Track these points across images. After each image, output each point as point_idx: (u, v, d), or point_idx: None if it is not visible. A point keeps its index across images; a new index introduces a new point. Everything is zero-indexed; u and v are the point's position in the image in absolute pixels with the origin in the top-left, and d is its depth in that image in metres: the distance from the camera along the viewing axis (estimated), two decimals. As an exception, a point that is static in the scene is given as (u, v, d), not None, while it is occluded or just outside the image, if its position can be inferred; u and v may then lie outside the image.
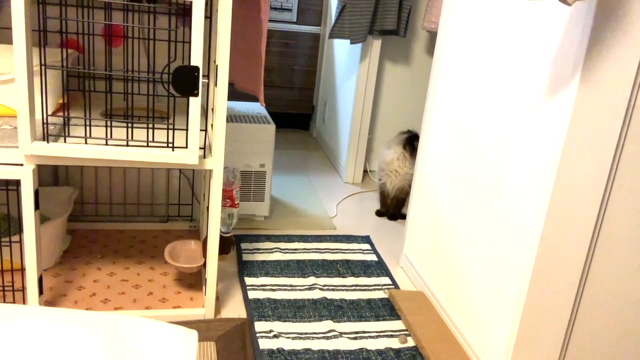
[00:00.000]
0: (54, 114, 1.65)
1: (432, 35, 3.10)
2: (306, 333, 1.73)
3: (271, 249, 2.25)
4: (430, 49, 3.12)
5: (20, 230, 1.77)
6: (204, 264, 1.79)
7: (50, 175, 2.15)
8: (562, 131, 1.32)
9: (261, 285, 1.98)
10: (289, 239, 2.35)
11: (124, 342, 0.78)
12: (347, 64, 3.27)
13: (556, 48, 1.36)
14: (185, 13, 1.83)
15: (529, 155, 1.44)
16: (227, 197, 2.03)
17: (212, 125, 1.63)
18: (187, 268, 1.83)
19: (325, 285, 2.03)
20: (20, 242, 1.70)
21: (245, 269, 2.08)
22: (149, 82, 1.57)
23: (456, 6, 1.89)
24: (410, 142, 2.55)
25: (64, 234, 1.98)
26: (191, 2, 1.32)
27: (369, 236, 2.48)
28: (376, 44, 2.95)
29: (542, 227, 1.38)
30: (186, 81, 1.40)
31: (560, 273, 1.43)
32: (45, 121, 1.43)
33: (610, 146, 1.33)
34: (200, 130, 1.49)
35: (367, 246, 2.37)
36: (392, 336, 1.75)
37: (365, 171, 3.26)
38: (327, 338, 1.71)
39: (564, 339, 1.47)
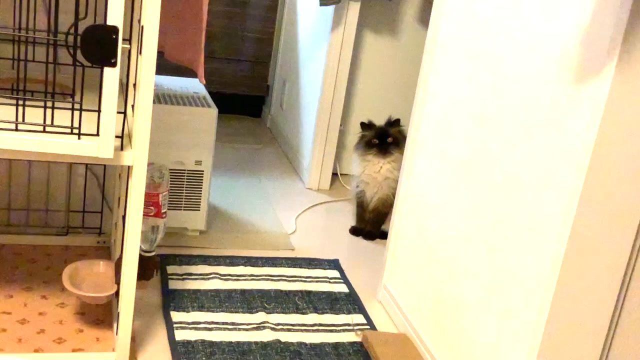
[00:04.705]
0: None
1: (428, -1, 3.15)
2: (252, 387, 1.72)
3: (208, 274, 2.24)
4: (425, 15, 3.16)
5: None
6: (117, 293, 1.78)
7: None
8: (593, 129, 1.35)
9: (193, 323, 1.98)
10: (232, 261, 2.35)
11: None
12: (314, 32, 3.28)
13: (588, 22, 1.39)
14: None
15: (552, 156, 1.47)
16: (151, 204, 2.03)
17: (133, 106, 1.62)
18: (92, 298, 1.81)
19: (278, 324, 2.04)
20: None
21: (173, 300, 2.07)
22: (49, 45, 1.56)
23: (460, -38, 1.92)
24: (384, 141, 2.60)
25: None
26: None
27: (337, 260, 2.49)
28: (354, 7, 2.97)
29: (565, 250, 1.40)
30: (100, 46, 1.38)
31: (587, 313, 1.46)
32: None
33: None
34: (118, 112, 1.49)
35: (335, 273, 2.39)
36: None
37: (335, 174, 3.28)
38: (280, 394, 1.72)
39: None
